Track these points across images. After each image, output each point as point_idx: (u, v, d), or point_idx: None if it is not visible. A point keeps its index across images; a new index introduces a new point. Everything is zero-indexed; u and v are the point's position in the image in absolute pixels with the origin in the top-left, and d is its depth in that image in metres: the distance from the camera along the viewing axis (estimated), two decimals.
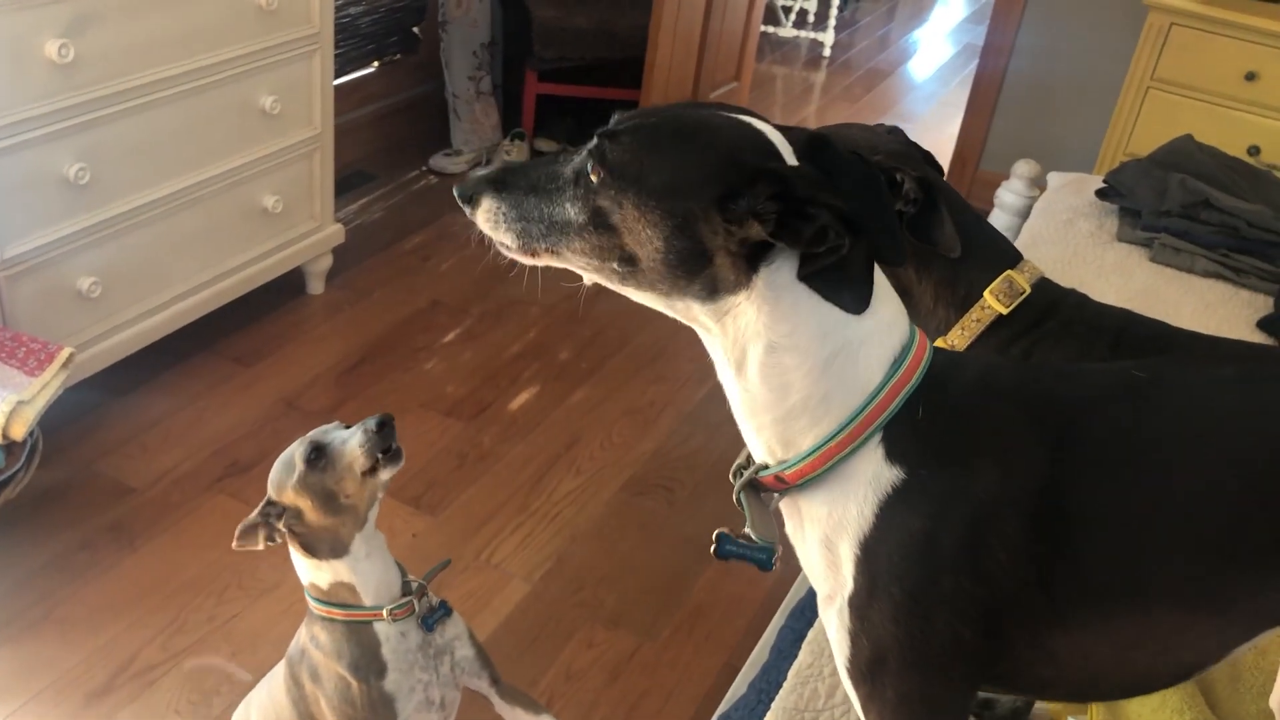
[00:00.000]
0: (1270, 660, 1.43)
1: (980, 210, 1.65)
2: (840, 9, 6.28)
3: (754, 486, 1.01)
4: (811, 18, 6.24)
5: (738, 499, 1.02)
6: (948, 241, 1.40)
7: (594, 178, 0.92)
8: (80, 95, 2.21)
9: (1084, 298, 1.48)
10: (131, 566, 2.18)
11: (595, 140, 0.94)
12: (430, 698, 1.48)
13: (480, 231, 1.00)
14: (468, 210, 0.99)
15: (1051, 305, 1.44)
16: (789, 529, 1.02)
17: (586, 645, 2.13)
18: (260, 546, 1.42)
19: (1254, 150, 3.19)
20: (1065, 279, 1.54)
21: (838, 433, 0.93)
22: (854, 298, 0.91)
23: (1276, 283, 2.37)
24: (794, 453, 0.96)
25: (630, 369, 3.00)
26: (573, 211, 0.94)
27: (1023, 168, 2.82)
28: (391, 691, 1.44)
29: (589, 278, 0.99)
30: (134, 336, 2.51)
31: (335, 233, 3.07)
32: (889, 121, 1.66)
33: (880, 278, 0.95)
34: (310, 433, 1.43)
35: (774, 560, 1.02)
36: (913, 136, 1.57)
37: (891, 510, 0.93)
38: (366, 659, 1.43)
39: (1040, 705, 1.43)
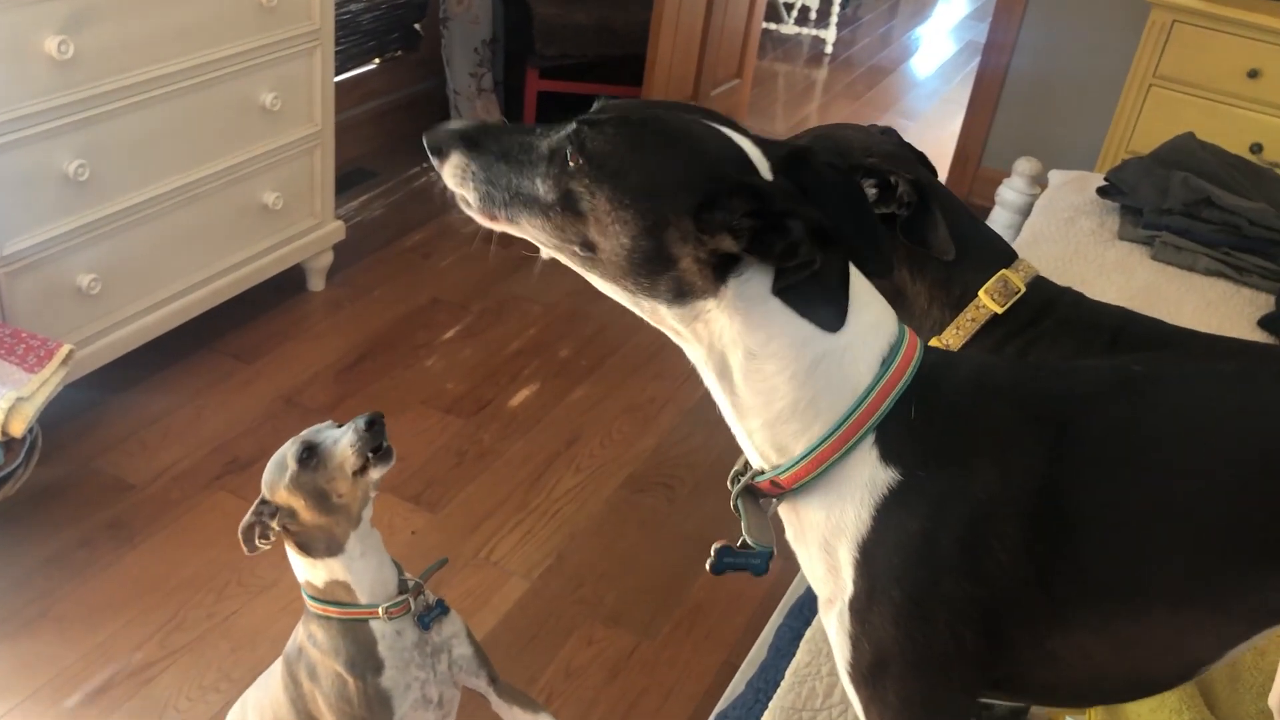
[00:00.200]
0: (1270, 660, 1.43)
1: (982, 208, 1.65)
2: (842, 6, 6.28)
3: (751, 492, 1.00)
4: (813, 14, 6.23)
5: (735, 505, 1.01)
6: (941, 244, 1.39)
7: (571, 162, 0.92)
8: (80, 92, 2.20)
9: (1080, 296, 1.47)
10: (130, 563, 2.18)
11: (575, 125, 0.93)
12: (428, 695, 1.48)
13: (480, 227, 1.00)
14: (435, 160, 0.98)
15: (1047, 304, 1.43)
16: (789, 534, 1.02)
17: (586, 643, 2.13)
18: (267, 547, 1.42)
19: (1256, 148, 3.18)
20: (1066, 277, 1.53)
21: (829, 436, 0.93)
22: (829, 314, 0.91)
23: (1278, 281, 2.37)
24: (787, 457, 0.95)
25: (630, 366, 3.00)
26: (543, 189, 0.93)
27: (1024, 165, 2.81)
28: (388, 689, 1.44)
29: (547, 252, 0.99)
30: (134, 333, 2.51)
31: (335, 230, 3.07)
32: (891, 119, 1.66)
33: (862, 281, 0.94)
34: (302, 432, 1.43)
35: (768, 565, 1.02)
36: (914, 134, 1.57)
37: (889, 512, 0.93)
38: (363, 656, 1.44)
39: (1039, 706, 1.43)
